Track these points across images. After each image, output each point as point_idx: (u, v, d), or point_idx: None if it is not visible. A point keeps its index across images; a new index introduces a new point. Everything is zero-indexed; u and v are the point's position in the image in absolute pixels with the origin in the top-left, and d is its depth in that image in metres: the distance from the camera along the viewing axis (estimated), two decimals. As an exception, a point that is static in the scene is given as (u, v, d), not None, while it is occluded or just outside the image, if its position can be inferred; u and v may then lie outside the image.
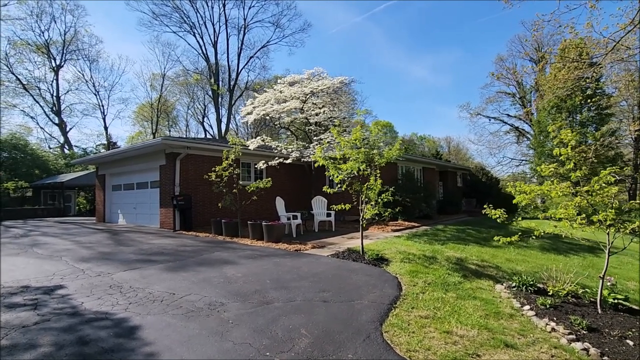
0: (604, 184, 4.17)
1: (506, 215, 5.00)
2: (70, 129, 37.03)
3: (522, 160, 34.22)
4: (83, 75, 36.12)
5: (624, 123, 21.91)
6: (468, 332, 3.52)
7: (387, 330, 3.47)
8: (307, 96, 12.59)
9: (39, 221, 16.60)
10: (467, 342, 3.29)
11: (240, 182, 10.35)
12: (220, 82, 37.46)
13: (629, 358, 3.25)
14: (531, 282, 5.09)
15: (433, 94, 75.49)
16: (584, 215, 4.32)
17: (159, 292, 4.48)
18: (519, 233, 4.89)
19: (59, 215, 21.98)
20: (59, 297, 4.30)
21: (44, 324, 3.43)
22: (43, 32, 32.49)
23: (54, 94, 34.47)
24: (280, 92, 12.93)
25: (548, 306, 4.35)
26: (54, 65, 33.91)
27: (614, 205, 4.23)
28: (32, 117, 35.02)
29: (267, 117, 13.53)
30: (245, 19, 36.38)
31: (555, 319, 4.00)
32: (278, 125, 15.04)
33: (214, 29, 36.18)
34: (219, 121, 37.49)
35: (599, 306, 4.38)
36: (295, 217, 10.20)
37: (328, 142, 10.54)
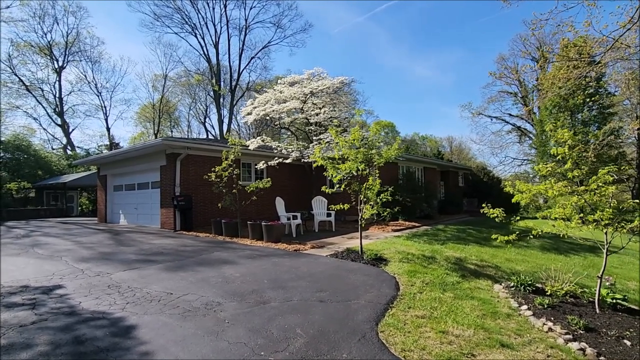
0: (601, 184, 4.15)
1: (504, 215, 4.99)
2: (73, 130, 37.24)
3: (525, 159, 34.09)
4: (85, 76, 36.42)
5: (626, 122, 21.77)
6: (464, 331, 3.51)
7: (382, 330, 3.46)
8: (307, 96, 12.59)
9: (42, 222, 16.69)
10: (463, 342, 3.28)
11: (240, 183, 10.37)
12: (222, 83, 37.58)
13: (626, 358, 3.24)
14: (529, 282, 5.07)
15: (435, 94, 75.43)
16: (581, 214, 4.29)
17: (156, 292, 4.49)
18: (517, 232, 4.88)
19: (61, 215, 22.10)
20: (57, 296, 4.32)
21: (41, 324, 3.46)
22: (46, 34, 32.79)
23: (57, 95, 34.73)
24: (280, 92, 12.94)
25: (546, 306, 4.33)
26: (56, 66, 34.17)
27: (612, 204, 4.21)
28: (35, 119, 35.30)
29: (268, 118, 13.54)
30: (246, 20, 36.50)
31: (552, 318, 3.98)
32: (278, 126, 15.05)
33: (215, 29, 36.32)
34: (220, 122, 37.61)
35: (597, 306, 4.36)
36: (295, 217, 10.21)
37: (327, 142, 10.54)
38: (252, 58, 37.96)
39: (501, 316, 4.05)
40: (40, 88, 33.66)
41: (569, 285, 4.79)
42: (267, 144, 12.71)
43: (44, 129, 36.41)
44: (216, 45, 36.55)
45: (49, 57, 33.50)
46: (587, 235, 5.68)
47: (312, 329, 3.40)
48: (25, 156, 26.94)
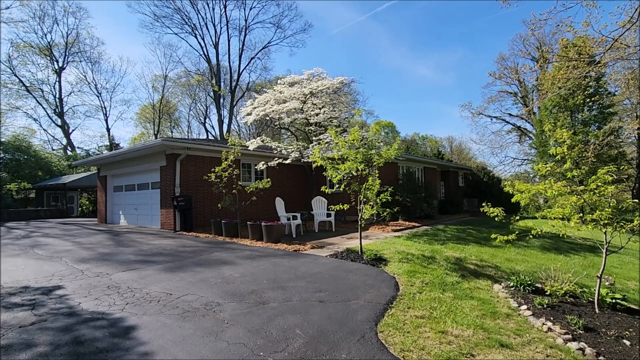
0: (600, 184, 4.15)
1: (504, 215, 4.99)
2: (73, 130, 37.24)
3: (525, 159, 34.07)
4: (85, 77, 36.42)
5: (626, 122, 21.77)
6: (463, 332, 3.51)
7: (382, 330, 3.46)
8: (307, 97, 12.59)
9: (42, 222, 16.70)
10: (462, 342, 3.28)
11: (240, 183, 10.38)
12: (222, 83, 37.61)
13: (625, 358, 3.23)
14: (529, 282, 5.07)
15: (436, 93, 75.44)
16: (580, 214, 4.29)
17: (156, 293, 4.50)
18: (517, 232, 4.88)
19: (61, 216, 22.11)
20: (57, 297, 4.33)
21: (40, 324, 3.46)
22: (45, 35, 32.81)
23: (57, 96, 34.75)
24: (280, 92, 12.95)
25: (545, 306, 4.33)
26: (56, 67, 34.18)
27: (611, 204, 4.21)
28: (35, 119, 35.31)
29: (267, 118, 13.55)
30: (246, 20, 36.53)
31: (552, 318, 3.98)
32: (278, 126, 15.07)
33: (215, 30, 36.35)
34: (220, 122, 37.63)
35: (596, 306, 4.35)
36: (295, 218, 10.21)
37: (327, 142, 10.54)
38: (252, 58, 38.05)
39: (500, 316, 4.05)
40: (40, 89, 33.73)
41: (568, 285, 4.78)
42: (266, 144, 12.72)
43: (44, 129, 36.38)
44: (216, 46, 36.58)
45: (48, 58, 33.54)
46: (586, 235, 5.69)
47: (311, 329, 3.40)
48: (26, 157, 26.98)
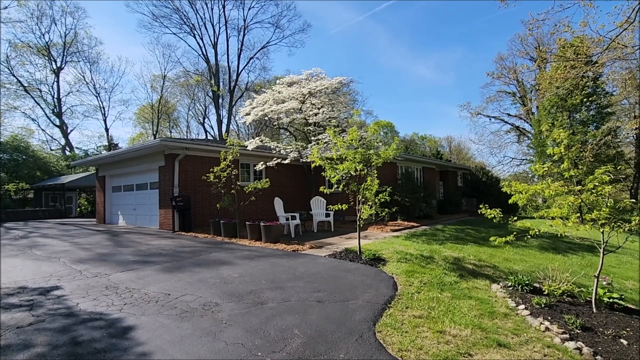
0: (598, 183, 4.16)
1: (502, 215, 5.00)
2: (71, 130, 37.17)
3: (523, 159, 34.12)
4: (84, 77, 36.36)
5: (624, 121, 21.84)
6: (461, 331, 3.52)
7: (380, 330, 3.47)
8: (306, 97, 12.59)
9: (40, 223, 16.67)
10: (460, 342, 3.29)
11: (239, 183, 10.37)
12: (221, 83, 37.56)
13: (622, 357, 3.25)
14: (527, 282, 5.08)
15: (436, 94, 75.52)
16: (578, 214, 4.30)
17: (154, 293, 4.49)
18: (515, 232, 4.89)
19: (60, 216, 22.06)
20: (55, 298, 4.32)
21: (38, 325, 3.45)
22: (44, 34, 32.72)
23: (55, 96, 34.67)
24: (279, 92, 12.95)
25: (543, 305, 4.34)
26: (54, 67, 34.11)
27: (608, 204, 4.22)
28: (33, 119, 35.22)
29: (266, 118, 13.55)
30: (245, 20, 36.49)
31: (549, 318, 3.99)
32: (277, 126, 15.06)
33: (214, 30, 36.31)
34: (219, 122, 37.59)
35: (594, 305, 4.37)
36: (293, 218, 10.21)
37: (325, 142, 10.54)
38: (250, 58, 38.01)
39: (498, 316, 4.06)
40: (38, 89, 33.63)
41: (566, 285, 4.80)
42: (265, 144, 12.72)
43: (43, 129, 36.20)
44: (215, 46, 36.54)
45: (47, 58, 33.45)
46: (584, 234, 5.70)
47: (309, 329, 3.41)
48: (24, 157, 26.92)
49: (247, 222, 9.15)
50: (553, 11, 6.93)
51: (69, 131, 36.38)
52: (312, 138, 12.74)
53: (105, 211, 15.66)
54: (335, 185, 7.17)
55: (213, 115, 40.06)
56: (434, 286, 5.02)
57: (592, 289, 4.49)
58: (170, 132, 43.79)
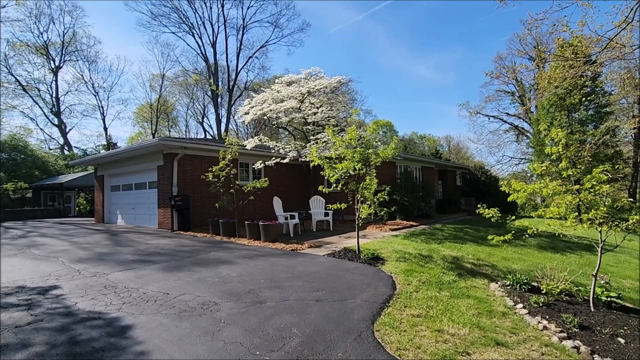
0: (596, 183, 4.17)
1: (500, 214, 5.01)
2: (70, 130, 37.12)
3: (522, 158, 34.14)
4: (82, 76, 36.24)
5: (623, 121, 21.86)
6: (459, 330, 3.53)
7: (378, 329, 3.47)
8: (305, 96, 12.58)
9: (39, 222, 16.64)
10: (458, 341, 3.30)
11: (238, 182, 10.37)
12: (220, 83, 37.50)
13: (619, 355, 3.26)
14: (525, 281, 5.10)
15: (435, 93, 75.57)
16: (575, 213, 4.32)
17: (153, 292, 4.49)
18: (513, 231, 4.90)
19: (58, 216, 22.03)
20: (53, 297, 4.31)
21: (36, 324, 3.45)
22: (42, 33, 32.61)
23: (54, 95, 34.59)
24: (278, 91, 12.93)
25: (541, 304, 4.36)
26: (53, 66, 34.01)
27: (606, 203, 4.24)
28: (31, 119, 35.15)
29: (265, 117, 13.53)
30: (244, 19, 36.43)
31: (547, 317, 4.01)
32: (276, 125, 15.05)
33: (213, 29, 36.24)
34: (218, 121, 37.55)
35: (591, 304, 4.38)
36: (292, 217, 10.21)
37: (324, 141, 10.53)
38: (249, 57, 37.96)
39: (497, 315, 4.07)
40: (36, 88, 33.51)
41: (564, 284, 4.82)
42: (264, 143, 12.70)
43: (41, 129, 36.09)
44: (214, 45, 36.50)
45: (45, 57, 33.33)
46: (583, 234, 5.72)
47: (308, 328, 3.41)
48: (22, 156, 26.85)
49: (246, 222, 9.15)
50: (552, 11, 6.94)
51: (67, 130, 36.34)
52: (311, 137, 12.74)
53: (104, 210, 15.64)
54: (334, 185, 7.17)
55: (212, 114, 40.11)
56: (432, 285, 5.03)
57: (590, 288, 4.50)
58: (169, 131, 43.75)
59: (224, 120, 37.99)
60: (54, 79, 34.33)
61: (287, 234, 9.76)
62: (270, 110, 12.57)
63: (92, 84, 36.94)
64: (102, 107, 37.94)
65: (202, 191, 11.82)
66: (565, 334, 3.56)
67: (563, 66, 9.68)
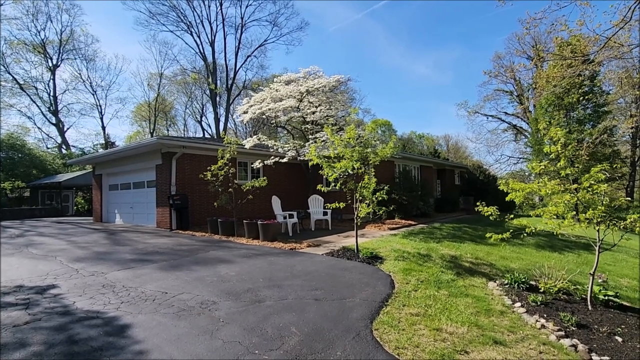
0: (593, 182, 4.18)
1: (499, 213, 5.02)
2: (68, 128, 36.91)
3: (520, 158, 34.21)
4: (80, 74, 36.08)
5: (621, 120, 21.93)
6: (458, 329, 3.54)
7: (377, 328, 3.48)
8: (303, 95, 12.57)
9: (36, 221, 16.59)
10: (457, 339, 3.31)
11: (237, 182, 10.35)
12: (218, 81, 37.43)
13: (617, 354, 3.27)
14: (523, 280, 5.11)
15: (434, 92, 75.48)
16: (573, 212, 4.33)
17: (151, 291, 4.49)
18: (511, 230, 4.91)
19: (56, 215, 21.96)
20: (51, 296, 4.30)
21: (34, 324, 3.44)
22: (39, 32, 32.45)
23: (51, 94, 34.43)
24: (277, 90, 12.91)
25: (539, 303, 4.37)
26: (50, 64, 33.85)
27: (604, 202, 4.25)
28: (29, 117, 34.96)
29: (264, 116, 13.51)
30: (242, 18, 36.35)
31: (545, 315, 4.02)
32: (274, 124, 15.03)
33: (211, 27, 36.13)
34: (217, 120, 37.47)
35: (589, 303, 4.40)
36: (291, 216, 10.21)
37: (323, 140, 10.53)
38: (248, 56, 37.87)
39: (495, 313, 4.08)
40: (34, 86, 33.35)
41: (562, 283, 4.83)
42: (263, 142, 12.69)
43: (39, 127, 35.89)
44: (212, 44, 36.40)
45: (42, 55, 33.16)
46: (580, 233, 5.74)
47: (307, 327, 3.41)
48: (20, 155, 26.74)
49: (244, 221, 9.14)
50: (550, 10, 6.95)
51: (65, 129, 36.18)
52: (310, 136, 12.73)
53: (102, 210, 15.59)
54: (333, 184, 7.17)
55: (210, 113, 40.09)
56: (431, 284, 5.04)
57: (588, 287, 4.52)
58: (168, 130, 43.63)
59: (222, 119, 37.93)
60: (52, 77, 34.22)
61: (286, 233, 9.76)
62: (269, 109, 12.56)
63: (90, 83, 36.85)
64: (100, 105, 37.87)
65: (201, 190, 11.80)
66: (563, 333, 3.57)
67: (561, 65, 9.71)
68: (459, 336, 3.37)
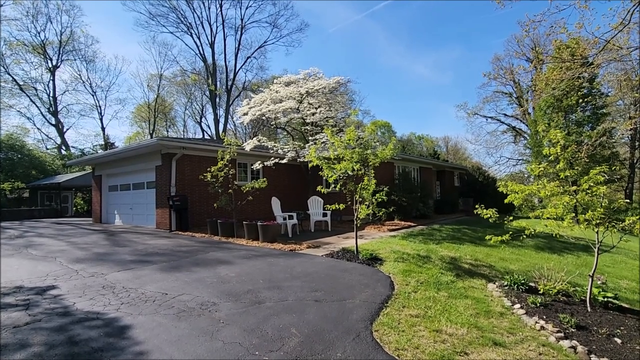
0: (592, 184, 4.20)
1: (498, 215, 5.03)
2: (67, 129, 36.88)
3: (519, 159, 34.27)
4: (80, 75, 36.04)
5: (619, 122, 22.00)
6: (457, 330, 3.55)
7: (377, 329, 3.49)
8: (303, 96, 12.59)
9: (36, 222, 16.57)
10: (456, 341, 3.32)
11: (237, 183, 10.37)
12: (218, 83, 37.46)
13: (616, 355, 3.28)
14: (522, 281, 5.12)
15: (434, 92, 75.61)
16: (573, 214, 4.34)
17: (151, 293, 4.49)
18: (511, 232, 4.92)
19: (56, 216, 21.93)
20: (51, 297, 4.30)
21: (35, 324, 3.44)
22: (39, 33, 32.42)
23: (51, 95, 34.40)
24: (276, 92, 12.93)
25: (538, 305, 4.38)
26: (50, 65, 33.82)
27: (603, 204, 4.27)
28: (28, 118, 34.97)
29: (264, 118, 13.53)
30: (242, 19, 36.41)
31: (544, 317, 4.03)
32: (274, 126, 15.05)
33: (211, 29, 36.19)
34: (216, 122, 37.49)
35: (588, 304, 4.41)
36: (291, 217, 10.21)
37: (323, 142, 10.55)
38: (248, 58, 37.91)
39: (494, 315, 4.09)
40: (33, 87, 33.31)
41: (561, 284, 4.85)
42: (263, 144, 12.71)
43: (38, 128, 35.81)
44: (212, 45, 36.44)
45: (42, 56, 33.15)
46: (580, 234, 5.75)
47: (306, 328, 3.42)
48: (19, 156, 26.71)
49: (244, 222, 9.14)
50: (549, 12, 6.99)
51: (64, 130, 36.16)
52: (310, 138, 12.75)
53: (101, 210, 15.58)
54: (333, 185, 7.18)
55: (210, 114, 40.02)
56: (430, 286, 5.05)
57: (587, 289, 4.53)
58: (167, 131, 43.62)
59: (222, 120, 37.94)
60: (51, 78, 34.19)
61: (286, 234, 9.76)
62: (269, 111, 12.57)
63: (90, 84, 36.81)
64: (100, 106, 37.83)
65: (201, 191, 11.80)
66: (562, 334, 3.58)
67: (560, 68, 9.75)
68: (458, 337, 3.38)
